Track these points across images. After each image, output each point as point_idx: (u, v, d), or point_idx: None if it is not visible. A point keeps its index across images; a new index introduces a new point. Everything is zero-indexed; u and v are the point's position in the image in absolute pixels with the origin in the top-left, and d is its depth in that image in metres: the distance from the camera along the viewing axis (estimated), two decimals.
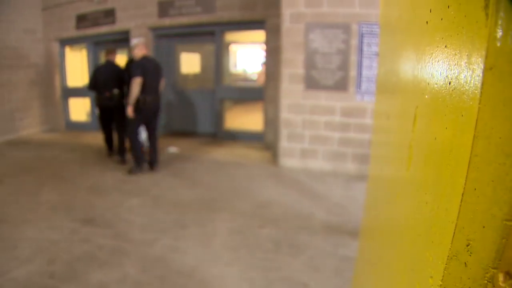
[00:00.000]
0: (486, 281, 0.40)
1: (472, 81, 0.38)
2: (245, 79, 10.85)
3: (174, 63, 6.74)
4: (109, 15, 6.52)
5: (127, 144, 4.61)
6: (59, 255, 2.51)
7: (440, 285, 0.43)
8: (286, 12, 4.41)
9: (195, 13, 5.88)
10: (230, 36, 7.04)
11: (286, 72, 4.53)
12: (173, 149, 5.56)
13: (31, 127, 7.08)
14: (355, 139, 4.42)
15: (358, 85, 4.33)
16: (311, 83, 4.47)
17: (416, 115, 0.60)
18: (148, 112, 4.24)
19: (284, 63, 4.53)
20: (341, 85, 4.38)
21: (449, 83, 0.45)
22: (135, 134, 4.33)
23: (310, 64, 4.44)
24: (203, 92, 6.61)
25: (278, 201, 3.56)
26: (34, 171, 4.53)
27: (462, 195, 0.39)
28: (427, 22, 0.56)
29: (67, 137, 6.78)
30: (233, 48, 10.30)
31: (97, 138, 5.67)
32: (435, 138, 0.49)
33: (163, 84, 4.49)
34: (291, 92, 4.55)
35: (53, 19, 7.05)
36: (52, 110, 7.43)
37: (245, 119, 7.76)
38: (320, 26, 4.33)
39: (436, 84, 0.50)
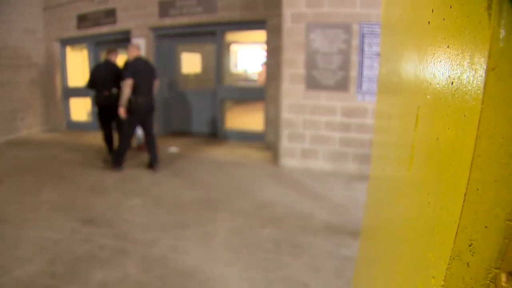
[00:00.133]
0: (488, 281, 0.40)
1: (475, 81, 0.38)
2: (246, 79, 10.84)
3: (175, 63, 6.75)
4: (110, 15, 6.53)
5: (118, 141, 4.70)
6: (60, 255, 2.51)
7: (442, 285, 0.43)
8: (287, 12, 4.41)
9: (196, 13, 5.88)
10: (231, 36, 7.04)
11: (287, 72, 4.53)
12: (173, 149, 5.57)
13: (31, 127, 7.09)
14: (356, 139, 4.42)
15: (359, 85, 4.33)
16: (312, 83, 4.47)
17: (418, 115, 0.60)
18: (140, 112, 4.34)
19: (285, 63, 4.53)
20: (342, 85, 4.38)
21: (452, 83, 0.45)
22: (128, 135, 4.45)
23: (311, 64, 4.44)
24: (204, 92, 6.61)
25: (279, 201, 3.56)
26: (34, 171, 4.53)
27: (464, 195, 0.39)
28: (429, 22, 0.56)
29: (67, 137, 6.79)
30: (234, 48, 10.30)
31: (98, 138, 5.67)
32: (437, 138, 0.49)
33: (157, 84, 4.59)
34: (292, 92, 4.55)
35: (54, 19, 7.06)
36: (52, 110, 7.44)
37: (246, 119, 7.76)
38: (321, 26, 4.33)
39: (438, 84, 0.50)
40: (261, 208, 3.40)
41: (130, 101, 4.24)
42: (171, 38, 6.49)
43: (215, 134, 6.44)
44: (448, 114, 0.45)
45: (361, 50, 4.27)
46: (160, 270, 2.35)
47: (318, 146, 4.57)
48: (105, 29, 6.65)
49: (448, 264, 0.41)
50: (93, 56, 7.12)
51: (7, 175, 4.34)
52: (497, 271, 0.39)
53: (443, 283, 0.43)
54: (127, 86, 4.16)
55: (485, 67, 0.36)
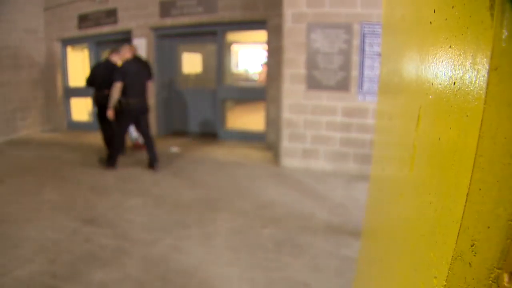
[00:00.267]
0: (490, 282, 0.40)
1: (477, 82, 0.38)
2: (247, 79, 10.84)
3: (176, 63, 6.75)
4: (111, 15, 6.53)
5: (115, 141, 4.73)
6: (61, 255, 2.51)
7: (445, 285, 0.43)
8: (288, 12, 4.41)
9: (196, 13, 5.89)
10: (231, 36, 7.04)
11: (288, 72, 4.53)
12: (174, 149, 5.57)
13: (32, 127, 7.09)
14: (356, 139, 4.41)
15: (360, 85, 4.33)
16: (313, 83, 4.46)
17: (419, 116, 0.60)
18: (132, 114, 4.38)
19: (285, 63, 4.54)
20: (342, 85, 4.38)
21: (454, 84, 0.45)
22: (120, 136, 4.51)
23: (311, 64, 4.43)
24: (205, 92, 6.61)
25: (280, 201, 3.56)
26: (35, 171, 4.54)
27: (466, 196, 0.39)
28: (431, 22, 0.56)
29: (68, 137, 6.79)
30: (234, 48, 10.29)
31: (99, 138, 5.67)
32: (439, 139, 0.49)
33: (150, 85, 4.67)
34: (292, 92, 4.55)
35: (55, 19, 7.07)
36: (53, 110, 7.45)
37: (247, 119, 7.76)
38: (321, 26, 4.33)
39: (440, 84, 0.50)
40: (261, 208, 3.40)
41: (121, 103, 4.29)
42: (172, 38, 6.50)
43: (216, 134, 6.44)
44: (450, 114, 0.45)
45: (362, 50, 4.27)
46: (161, 270, 2.35)
47: (318, 146, 4.57)
48: (106, 29, 6.65)
49: (450, 264, 0.41)
50: (94, 56, 7.12)
51: (7, 175, 4.35)
52: (499, 271, 0.39)
53: (445, 283, 0.43)
54: (116, 89, 4.21)
55: (487, 67, 0.36)
